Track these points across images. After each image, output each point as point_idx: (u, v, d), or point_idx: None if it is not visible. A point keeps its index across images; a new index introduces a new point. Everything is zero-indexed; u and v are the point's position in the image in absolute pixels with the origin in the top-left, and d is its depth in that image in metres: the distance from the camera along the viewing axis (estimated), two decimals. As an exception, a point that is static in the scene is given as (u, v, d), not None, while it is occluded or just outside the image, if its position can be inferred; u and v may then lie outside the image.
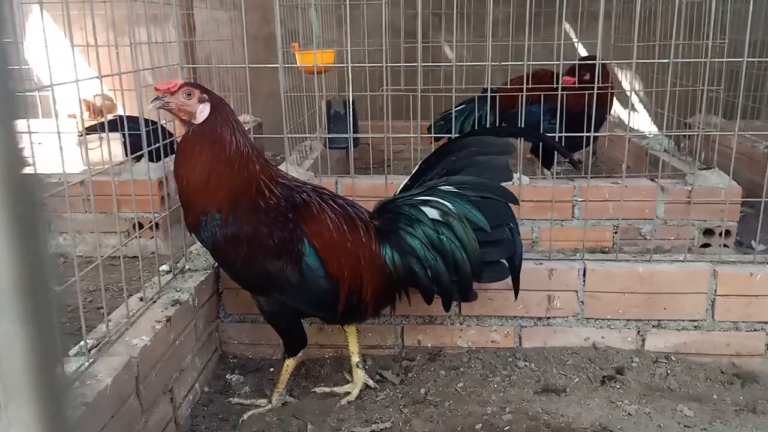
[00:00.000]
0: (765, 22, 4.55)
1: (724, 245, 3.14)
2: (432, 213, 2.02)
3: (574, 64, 3.70)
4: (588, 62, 3.62)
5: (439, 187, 2.05)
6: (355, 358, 2.23)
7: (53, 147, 1.72)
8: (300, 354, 2.17)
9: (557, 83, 3.35)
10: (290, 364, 2.15)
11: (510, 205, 2.07)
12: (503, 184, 2.07)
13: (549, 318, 2.42)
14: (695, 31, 3.27)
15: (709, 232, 3.21)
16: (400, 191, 2.15)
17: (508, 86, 3.71)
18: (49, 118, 4.44)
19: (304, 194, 2.03)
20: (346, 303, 2.01)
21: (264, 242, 1.92)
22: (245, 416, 2.07)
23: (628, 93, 3.27)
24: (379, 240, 2.05)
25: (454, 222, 2.00)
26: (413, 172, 2.17)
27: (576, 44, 4.62)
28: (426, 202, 2.04)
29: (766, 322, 2.34)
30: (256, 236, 1.92)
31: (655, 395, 2.17)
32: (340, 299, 2.00)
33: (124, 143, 3.02)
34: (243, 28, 2.62)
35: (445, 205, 2.01)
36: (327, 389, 2.23)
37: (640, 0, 2.67)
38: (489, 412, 2.08)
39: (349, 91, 2.72)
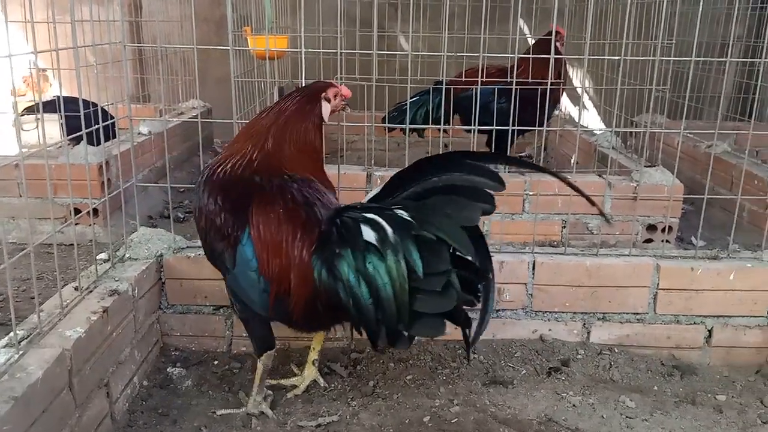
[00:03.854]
0: (709, 25, 4.72)
1: (666, 241, 3.24)
2: (369, 235, 1.72)
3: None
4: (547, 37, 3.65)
5: (395, 208, 1.75)
6: (314, 355, 2.18)
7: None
8: (272, 352, 2.03)
9: (510, 76, 3.38)
10: (259, 366, 2.03)
11: (486, 262, 1.74)
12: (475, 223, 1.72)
13: (498, 311, 2.43)
14: (644, 32, 3.34)
15: (652, 228, 3.30)
16: (369, 199, 1.90)
17: (462, 79, 3.72)
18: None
19: (274, 180, 1.90)
20: (276, 306, 1.86)
21: (214, 219, 1.89)
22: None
23: (579, 90, 3.32)
24: (315, 248, 1.81)
25: (389, 253, 1.68)
26: (390, 177, 1.87)
27: (529, 39, 4.67)
28: (369, 221, 1.74)
29: (705, 316, 2.41)
30: (210, 212, 1.91)
31: (598, 387, 2.20)
32: (270, 299, 1.86)
33: (62, 125, 2.87)
34: (191, 7, 2.52)
35: (386, 232, 1.70)
36: (273, 382, 2.18)
37: (592, -3, 2.70)
38: (437, 404, 2.07)
39: (302, 79, 2.65)
